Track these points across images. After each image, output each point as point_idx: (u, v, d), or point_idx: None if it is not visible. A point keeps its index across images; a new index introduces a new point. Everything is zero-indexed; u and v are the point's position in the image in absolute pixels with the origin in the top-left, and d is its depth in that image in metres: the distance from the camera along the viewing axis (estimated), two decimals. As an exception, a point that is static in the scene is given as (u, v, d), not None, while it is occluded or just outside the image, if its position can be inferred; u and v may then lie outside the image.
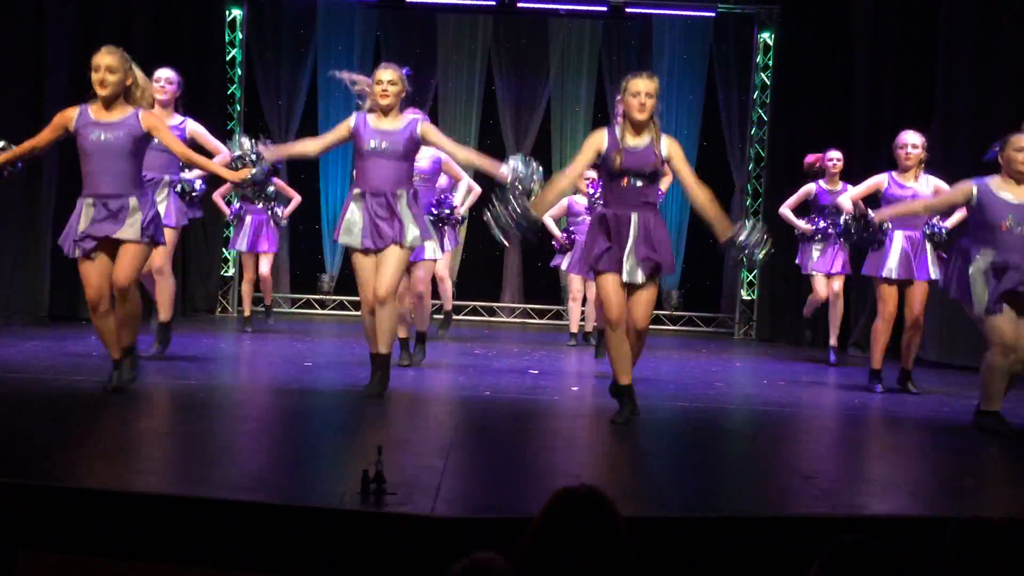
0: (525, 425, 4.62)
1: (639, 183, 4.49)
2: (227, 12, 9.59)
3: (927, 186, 5.98)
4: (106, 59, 4.60)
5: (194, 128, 6.11)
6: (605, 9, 9.19)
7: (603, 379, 5.80)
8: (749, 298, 9.65)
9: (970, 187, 4.84)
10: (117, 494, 3.02)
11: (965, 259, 4.77)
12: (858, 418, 5.33)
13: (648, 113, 4.50)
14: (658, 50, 9.80)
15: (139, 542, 2.89)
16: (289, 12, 9.85)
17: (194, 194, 6.08)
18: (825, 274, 7.32)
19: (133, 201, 4.59)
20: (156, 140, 4.93)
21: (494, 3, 9.19)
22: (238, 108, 9.73)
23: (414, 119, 5.05)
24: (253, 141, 5.07)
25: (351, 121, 5.05)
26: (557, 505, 1.76)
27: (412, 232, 4.93)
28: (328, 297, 9.89)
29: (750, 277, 9.68)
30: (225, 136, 9.60)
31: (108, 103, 4.61)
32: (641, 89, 4.50)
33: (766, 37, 9.52)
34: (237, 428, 4.28)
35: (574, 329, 8.07)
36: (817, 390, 6.37)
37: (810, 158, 7.58)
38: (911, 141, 6.01)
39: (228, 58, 9.63)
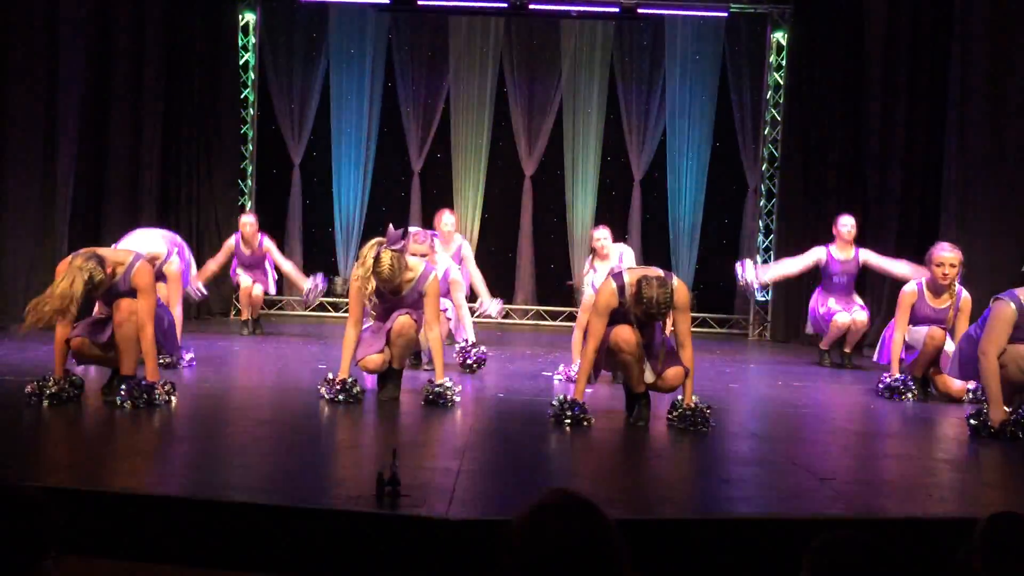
0: (539, 427, 4.62)
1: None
2: (240, 16, 9.64)
3: (957, 303, 5.79)
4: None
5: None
6: (617, 10, 9.18)
7: (614, 384, 5.80)
8: (763, 299, 9.62)
9: (1010, 307, 4.72)
10: (134, 497, 3.03)
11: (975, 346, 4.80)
12: (874, 419, 5.30)
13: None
14: (670, 51, 9.78)
15: (155, 544, 2.91)
16: (301, 16, 9.88)
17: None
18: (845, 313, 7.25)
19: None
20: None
21: (506, 5, 9.19)
22: (251, 112, 9.78)
23: (425, 274, 5.09)
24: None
25: (358, 292, 5.03)
26: (534, 519, 1.72)
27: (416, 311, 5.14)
28: (342, 300, 9.90)
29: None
30: (239, 141, 9.67)
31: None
32: (655, 299, 4.44)
33: (779, 37, 9.49)
34: (252, 431, 4.29)
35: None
36: (832, 391, 6.34)
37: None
38: (949, 260, 5.76)
39: (241, 62, 9.67)
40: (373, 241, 4.96)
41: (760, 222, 9.64)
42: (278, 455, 3.84)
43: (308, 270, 10.11)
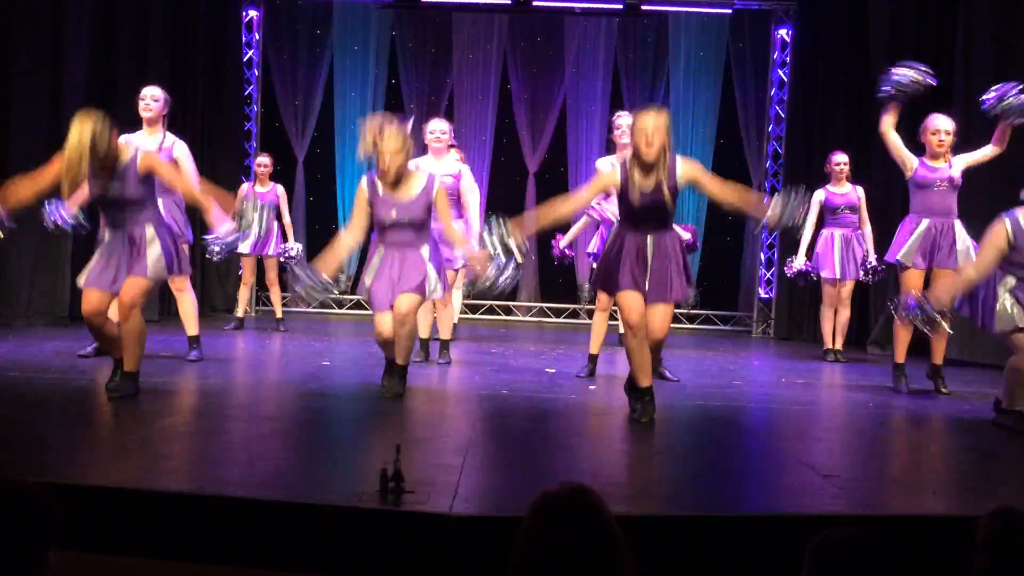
0: (543, 424, 4.62)
1: (654, 212, 4.51)
2: (244, 13, 9.64)
3: (957, 168, 5.85)
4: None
5: (180, 152, 6.07)
6: (621, 7, 9.16)
7: (619, 379, 5.80)
8: (767, 296, 9.61)
9: (1004, 227, 4.70)
10: (136, 492, 3.04)
11: (991, 286, 4.73)
12: (877, 416, 5.30)
13: (657, 151, 4.41)
14: (674, 48, 9.76)
15: (158, 540, 2.91)
16: (305, 12, 9.88)
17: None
18: (833, 281, 7.38)
19: (150, 231, 4.64)
20: None
21: (509, 2, 9.18)
22: (255, 108, 9.79)
23: (429, 182, 5.02)
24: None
25: (364, 190, 5.00)
26: (542, 510, 1.74)
27: (432, 282, 5.02)
28: (345, 296, 9.91)
29: (768, 275, 9.63)
30: (242, 137, 9.67)
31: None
32: (649, 126, 4.38)
33: (783, 33, 9.47)
34: (255, 427, 4.29)
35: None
36: (836, 388, 6.34)
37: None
38: (943, 127, 5.88)
39: (245, 59, 9.67)
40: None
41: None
42: (281, 451, 3.85)
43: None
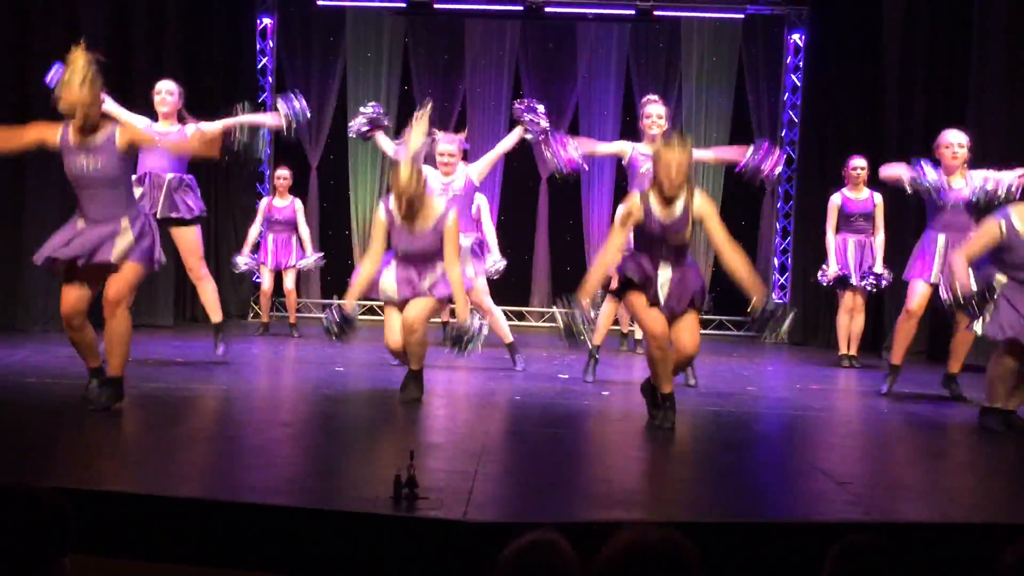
0: (556, 430, 4.61)
1: (672, 241, 4.54)
2: (258, 21, 9.69)
3: (971, 183, 5.80)
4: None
5: (197, 128, 6.10)
6: (633, 12, 9.17)
7: (633, 385, 5.79)
8: (781, 302, 9.57)
9: (998, 225, 4.72)
10: (152, 498, 3.05)
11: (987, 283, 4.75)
12: (893, 423, 5.26)
13: (679, 186, 4.44)
14: (687, 53, 9.75)
15: (173, 545, 2.92)
16: (319, 20, 9.93)
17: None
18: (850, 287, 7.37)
19: (125, 222, 4.38)
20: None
21: (521, 8, 9.20)
22: (269, 115, 9.83)
23: (443, 215, 4.99)
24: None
25: (382, 219, 5.00)
26: (626, 556, 1.68)
27: (441, 291, 5.05)
28: (358, 302, 9.92)
29: (782, 281, 9.60)
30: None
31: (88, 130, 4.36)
32: (674, 161, 4.38)
33: (796, 38, 9.45)
34: (270, 433, 4.30)
35: (625, 330, 8.16)
36: (851, 394, 6.30)
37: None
38: (956, 140, 5.86)
39: (259, 66, 9.72)
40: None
41: (777, 224, 9.59)
42: (295, 457, 3.85)
43: (325, 271, 10.19)
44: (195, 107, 9.07)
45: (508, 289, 9.97)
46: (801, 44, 9.43)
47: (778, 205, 9.58)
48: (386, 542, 2.87)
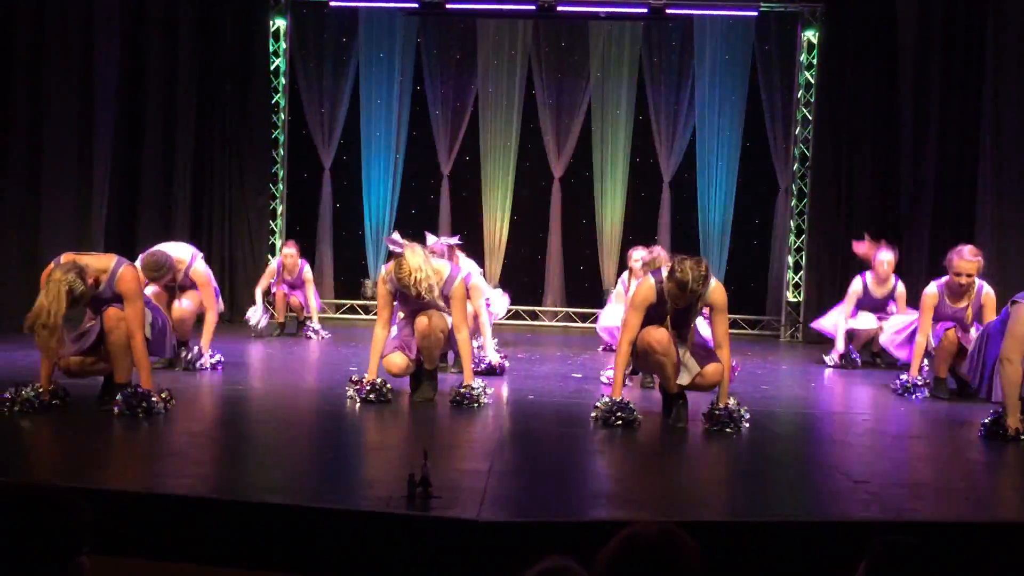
0: (569, 429, 4.61)
1: (682, 323, 4.69)
2: (271, 23, 9.73)
3: (977, 301, 5.85)
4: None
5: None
6: (645, 11, 9.14)
7: (645, 388, 5.77)
8: (795, 300, 9.53)
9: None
10: (165, 497, 3.06)
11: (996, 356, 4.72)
12: (908, 422, 5.23)
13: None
14: (699, 51, 9.71)
15: (186, 544, 2.94)
16: (331, 21, 9.95)
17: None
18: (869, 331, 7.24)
19: None
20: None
21: (534, 7, 9.19)
22: (282, 117, 9.87)
23: (448, 284, 5.07)
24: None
25: (388, 289, 5.06)
26: (625, 550, 1.69)
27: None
28: (371, 302, 9.95)
29: (796, 279, 9.56)
30: (270, 145, 9.75)
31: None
32: (696, 291, 4.47)
33: (810, 35, 9.40)
34: (283, 432, 4.32)
35: None
36: (866, 393, 6.26)
37: (859, 248, 7.33)
38: (966, 270, 5.78)
39: (272, 68, 9.76)
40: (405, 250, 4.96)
41: (791, 222, 9.55)
42: (309, 456, 3.86)
43: (338, 272, 10.21)
44: (208, 111, 9.18)
45: (521, 289, 9.99)
46: (815, 41, 9.38)
47: (792, 203, 9.53)
48: (400, 541, 2.87)
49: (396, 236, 5.08)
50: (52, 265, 4.41)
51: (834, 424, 5.07)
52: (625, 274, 7.18)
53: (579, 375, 6.37)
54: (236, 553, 2.91)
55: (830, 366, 7.23)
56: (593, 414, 4.60)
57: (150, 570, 2.88)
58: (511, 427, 4.62)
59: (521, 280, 9.97)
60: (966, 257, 5.79)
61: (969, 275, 5.78)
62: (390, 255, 5.10)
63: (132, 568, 2.84)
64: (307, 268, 8.35)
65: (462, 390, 4.96)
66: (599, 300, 9.63)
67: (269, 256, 9.66)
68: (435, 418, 4.79)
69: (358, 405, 4.89)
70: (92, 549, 1.84)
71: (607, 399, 4.60)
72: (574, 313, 10.07)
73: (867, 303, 7.20)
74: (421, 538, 2.87)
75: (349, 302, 10.14)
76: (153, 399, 4.42)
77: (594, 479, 3.63)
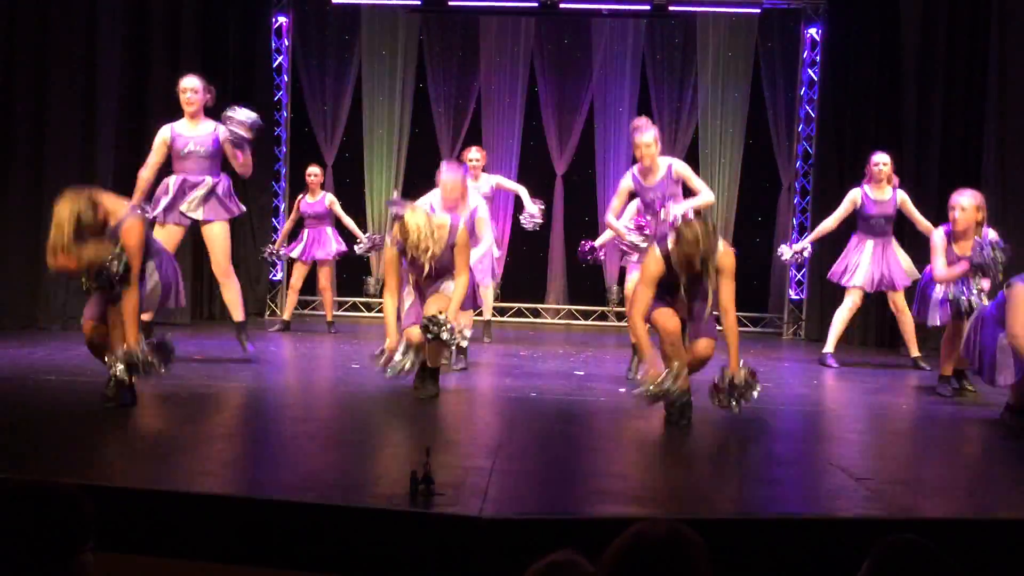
0: (572, 426, 4.61)
1: (695, 293, 4.68)
2: (273, 19, 9.73)
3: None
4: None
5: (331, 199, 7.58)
6: (648, 8, 9.13)
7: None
8: (798, 298, 9.53)
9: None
10: (172, 494, 3.07)
11: (994, 341, 4.74)
12: (911, 419, 5.23)
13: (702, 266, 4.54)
14: (702, 48, 9.70)
15: (192, 541, 2.94)
16: (334, 18, 9.95)
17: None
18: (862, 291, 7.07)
19: (150, 265, 4.69)
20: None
21: (536, 5, 9.18)
22: (284, 114, 9.87)
23: (452, 232, 5.03)
24: None
25: (394, 256, 5.07)
26: (632, 548, 1.69)
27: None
28: (374, 300, 9.95)
29: (798, 276, 9.55)
30: (272, 143, 9.76)
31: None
32: (700, 249, 4.46)
33: (813, 32, 9.39)
34: (286, 430, 4.33)
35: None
36: (868, 391, 6.26)
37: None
38: (961, 204, 5.80)
39: (274, 65, 9.76)
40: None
41: (795, 220, 9.55)
42: (311, 454, 3.87)
43: (341, 268, 10.21)
44: (210, 108, 9.15)
45: (524, 286, 9.99)
46: (818, 38, 9.37)
47: (795, 201, 9.53)
48: (403, 538, 2.88)
49: (396, 196, 5.09)
50: (67, 191, 4.40)
51: (835, 421, 5.08)
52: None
53: (581, 372, 6.38)
54: (238, 550, 2.91)
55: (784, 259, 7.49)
56: (642, 389, 4.46)
57: (153, 567, 2.89)
58: (514, 424, 4.62)
59: (523, 278, 9.97)
60: (960, 193, 5.86)
61: (964, 208, 5.76)
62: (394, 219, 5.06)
63: (137, 565, 2.85)
64: (331, 197, 8.43)
65: (433, 319, 4.84)
66: (602, 301, 9.64)
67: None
68: (437, 415, 4.80)
69: (387, 374, 4.93)
70: (96, 546, 1.85)
71: (653, 372, 4.48)
72: (576, 310, 10.07)
73: (870, 212, 6.89)
74: (423, 535, 2.88)
75: (351, 299, 10.14)
76: (144, 350, 4.39)
77: (597, 476, 3.63)
